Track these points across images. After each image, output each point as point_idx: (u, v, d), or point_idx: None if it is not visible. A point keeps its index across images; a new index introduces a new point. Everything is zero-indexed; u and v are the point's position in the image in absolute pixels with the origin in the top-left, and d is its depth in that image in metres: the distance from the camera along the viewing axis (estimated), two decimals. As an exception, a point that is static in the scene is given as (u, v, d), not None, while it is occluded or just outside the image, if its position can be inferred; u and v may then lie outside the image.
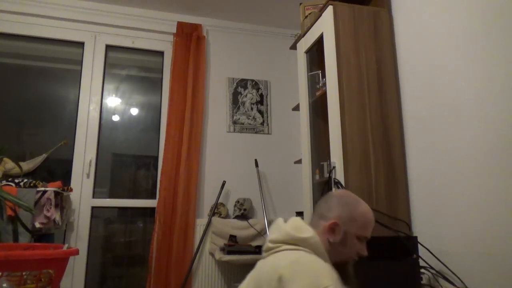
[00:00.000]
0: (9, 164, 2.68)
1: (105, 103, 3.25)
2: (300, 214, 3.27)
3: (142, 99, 3.40)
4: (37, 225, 2.41)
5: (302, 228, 1.13)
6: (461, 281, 1.61)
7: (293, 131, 3.56)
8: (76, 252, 1.29)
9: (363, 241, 1.17)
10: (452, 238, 1.70)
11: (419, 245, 1.77)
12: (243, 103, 3.49)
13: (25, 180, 2.58)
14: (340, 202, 1.18)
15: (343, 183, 1.92)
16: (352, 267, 1.20)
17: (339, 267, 1.13)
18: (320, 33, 2.24)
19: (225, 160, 3.34)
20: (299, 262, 1.00)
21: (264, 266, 1.07)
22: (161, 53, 3.45)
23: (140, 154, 3.29)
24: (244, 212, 3.14)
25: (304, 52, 2.50)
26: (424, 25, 1.97)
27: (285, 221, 1.19)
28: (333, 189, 1.96)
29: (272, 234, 1.16)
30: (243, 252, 2.84)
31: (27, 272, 1.13)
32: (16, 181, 2.56)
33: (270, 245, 1.14)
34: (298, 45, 2.61)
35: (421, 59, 1.98)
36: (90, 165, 3.05)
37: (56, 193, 2.55)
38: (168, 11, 3.42)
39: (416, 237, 1.79)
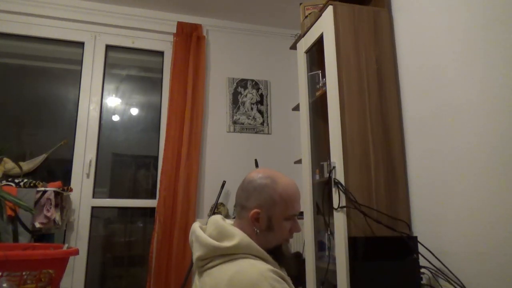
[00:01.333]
0: (9, 164, 2.68)
1: (105, 103, 3.25)
2: (300, 214, 3.27)
3: (142, 99, 3.40)
4: (37, 225, 2.41)
5: (226, 233, 1.05)
6: (460, 282, 1.61)
7: (293, 131, 3.56)
8: (76, 252, 1.29)
9: (293, 218, 1.12)
10: (452, 238, 1.70)
11: (419, 245, 1.77)
12: (243, 103, 3.49)
13: (25, 180, 2.58)
14: (256, 188, 1.11)
15: (343, 183, 1.92)
16: (287, 246, 1.14)
17: (273, 251, 1.09)
18: (320, 33, 2.24)
19: (225, 160, 3.34)
20: (236, 280, 0.93)
21: (204, 286, 1.00)
22: (161, 53, 3.45)
23: (140, 154, 3.29)
24: (244, 212, 3.14)
25: (304, 52, 2.50)
26: (424, 25, 1.97)
27: (201, 226, 1.12)
28: (333, 189, 1.96)
29: (196, 251, 1.06)
30: (243, 252, 2.84)
31: (27, 272, 1.13)
32: (16, 181, 2.56)
33: (200, 263, 1.05)
34: (298, 45, 2.62)
35: (421, 59, 1.98)
36: (90, 165, 3.05)
37: (56, 193, 2.56)
38: (168, 11, 3.42)
39: (416, 237, 1.79)
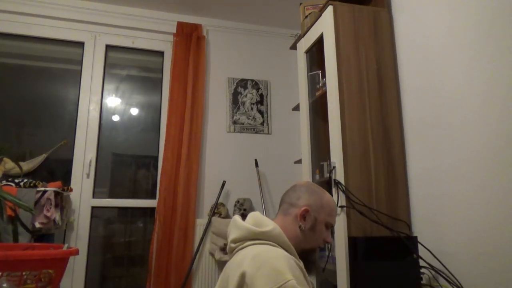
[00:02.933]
0: (9, 164, 2.68)
1: (105, 103, 3.25)
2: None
3: (142, 99, 3.40)
4: (37, 225, 2.41)
5: (262, 222, 1.15)
6: (459, 282, 1.61)
7: (293, 131, 3.56)
8: (76, 252, 1.28)
9: (329, 228, 1.23)
10: (452, 238, 1.70)
11: (419, 245, 1.77)
12: (243, 103, 3.49)
13: (25, 180, 2.58)
14: (308, 190, 1.24)
15: (343, 183, 1.92)
16: (315, 254, 1.23)
17: (306, 254, 1.18)
18: (320, 33, 2.24)
19: (225, 160, 3.34)
20: (261, 257, 1.00)
21: (231, 265, 1.08)
22: (161, 53, 3.45)
23: (140, 154, 3.29)
24: (244, 212, 3.14)
25: (304, 52, 2.50)
26: (424, 25, 1.97)
27: (243, 218, 1.21)
28: (333, 189, 1.96)
29: (233, 233, 1.17)
30: (243, 252, 2.84)
31: (27, 272, 1.13)
32: (16, 181, 2.56)
33: (233, 245, 1.15)
34: (298, 45, 2.61)
35: (421, 59, 1.98)
36: (90, 165, 3.05)
37: (56, 193, 2.55)
38: (168, 11, 3.42)
39: (416, 237, 1.79)
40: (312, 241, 1.19)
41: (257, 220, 1.16)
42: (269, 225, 1.13)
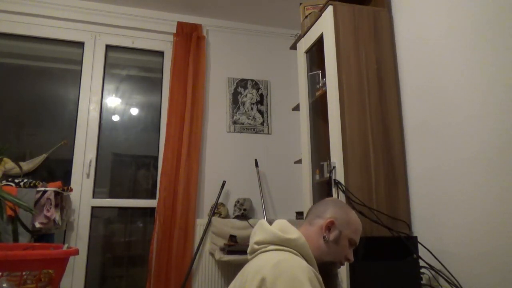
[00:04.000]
0: (9, 164, 2.68)
1: (105, 103, 3.25)
2: (300, 214, 3.27)
3: (142, 99, 3.40)
4: (37, 225, 2.41)
5: (288, 229, 1.15)
6: (458, 283, 1.61)
7: (293, 131, 3.56)
8: (76, 252, 1.28)
9: (352, 246, 1.22)
10: (452, 238, 1.70)
11: (419, 245, 1.77)
12: (243, 103, 3.49)
13: (25, 180, 2.58)
14: (336, 205, 1.25)
15: (343, 183, 1.92)
16: (337, 271, 1.23)
17: (327, 268, 1.17)
18: (320, 33, 2.24)
19: (225, 160, 3.34)
20: (282, 265, 1.01)
21: (250, 267, 1.08)
22: (161, 53, 3.45)
23: (140, 154, 3.29)
24: (244, 212, 3.14)
25: (304, 52, 2.50)
26: (424, 25, 1.97)
27: (270, 223, 1.21)
28: (333, 189, 1.96)
29: (257, 235, 1.17)
30: (243, 252, 2.83)
31: (27, 272, 1.13)
32: (16, 181, 2.56)
33: (256, 246, 1.15)
34: (298, 45, 2.61)
35: (421, 59, 1.98)
36: (90, 165, 3.05)
37: (56, 193, 2.55)
38: (168, 11, 3.42)
39: (416, 237, 1.79)
40: (333, 254, 1.18)
41: (283, 226, 1.17)
42: (294, 233, 1.14)
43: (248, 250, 1.19)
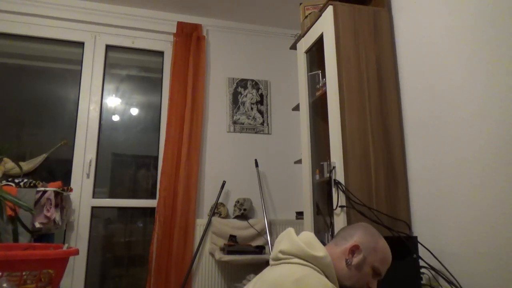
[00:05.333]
0: (9, 164, 2.68)
1: (105, 103, 3.25)
2: (300, 214, 3.27)
3: (142, 99, 3.40)
4: (37, 225, 2.41)
5: (315, 246, 1.12)
6: (458, 282, 1.61)
7: (293, 131, 3.56)
8: (76, 252, 1.28)
9: (377, 276, 1.17)
10: (452, 238, 1.70)
11: (419, 245, 1.77)
12: (243, 103, 3.49)
13: (25, 180, 2.58)
14: (365, 230, 1.21)
15: (343, 183, 1.92)
16: None
17: None
18: (320, 33, 2.24)
19: (225, 160, 3.34)
20: (304, 281, 0.99)
21: (271, 275, 1.06)
22: (161, 53, 3.45)
23: (140, 154, 3.29)
24: (244, 212, 3.14)
25: (304, 52, 2.50)
26: (424, 25, 1.97)
27: (297, 233, 1.18)
28: (333, 189, 1.96)
29: (283, 244, 1.14)
30: (243, 252, 2.84)
31: (27, 272, 1.13)
32: (16, 181, 2.56)
33: (281, 255, 1.12)
34: (298, 45, 2.61)
35: (421, 59, 1.98)
36: (90, 165, 3.05)
37: (56, 193, 2.55)
38: (168, 11, 3.42)
39: (416, 237, 1.79)
40: (354, 280, 1.14)
41: (310, 241, 1.14)
42: (321, 251, 1.11)
43: (272, 255, 1.16)
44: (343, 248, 1.17)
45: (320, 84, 2.34)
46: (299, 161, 2.81)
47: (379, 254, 1.16)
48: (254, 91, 3.54)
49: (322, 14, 2.22)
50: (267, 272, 1.11)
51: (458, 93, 1.71)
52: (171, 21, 3.40)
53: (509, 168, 1.45)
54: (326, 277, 1.08)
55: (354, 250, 1.15)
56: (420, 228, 1.92)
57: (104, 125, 3.21)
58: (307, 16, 2.54)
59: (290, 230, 1.19)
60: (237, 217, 3.16)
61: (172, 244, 2.93)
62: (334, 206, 1.95)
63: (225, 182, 3.20)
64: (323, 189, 2.28)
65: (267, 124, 3.52)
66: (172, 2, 3.29)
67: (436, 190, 1.82)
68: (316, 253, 1.09)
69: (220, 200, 3.19)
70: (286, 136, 3.54)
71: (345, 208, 1.88)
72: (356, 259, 1.14)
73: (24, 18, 3.12)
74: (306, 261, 1.08)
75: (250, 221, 3.13)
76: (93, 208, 3.02)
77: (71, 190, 2.77)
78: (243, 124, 3.45)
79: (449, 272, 1.66)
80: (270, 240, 2.98)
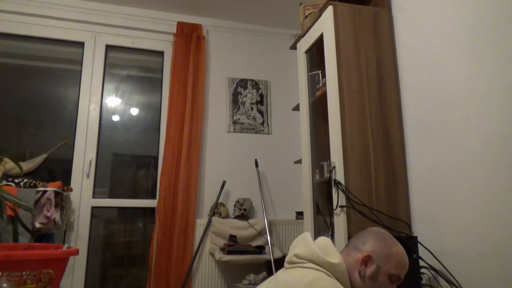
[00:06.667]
0: (9, 164, 2.68)
1: (105, 103, 3.25)
2: (300, 214, 3.27)
3: (142, 99, 3.40)
4: (37, 225, 2.41)
5: (331, 252, 1.11)
6: (458, 282, 1.61)
7: (293, 131, 3.56)
8: (76, 252, 1.28)
9: (395, 283, 1.13)
10: (452, 238, 1.70)
11: (419, 245, 1.77)
12: (243, 103, 3.49)
13: (25, 180, 2.58)
14: (376, 237, 1.17)
15: (343, 183, 1.92)
16: None
17: None
18: (320, 33, 2.24)
19: (225, 160, 3.34)
20: (316, 283, 0.99)
21: (285, 278, 1.06)
22: (161, 53, 3.45)
23: (140, 154, 3.29)
24: (244, 212, 3.14)
25: (304, 52, 2.50)
26: (424, 25, 1.97)
27: (313, 238, 1.17)
28: (333, 189, 1.96)
29: (299, 248, 1.13)
30: (243, 252, 2.84)
31: (27, 272, 1.13)
32: (16, 181, 2.56)
33: (295, 259, 1.12)
34: (298, 45, 2.62)
35: (421, 59, 1.98)
36: (90, 165, 3.05)
37: (56, 193, 2.55)
38: (168, 11, 3.42)
39: (416, 237, 1.79)
40: None
41: (327, 247, 1.12)
42: (336, 258, 1.09)
43: (287, 259, 1.16)
44: (355, 258, 1.13)
45: (320, 84, 2.34)
46: (299, 161, 2.81)
47: (393, 260, 1.12)
48: (254, 91, 3.54)
49: (322, 14, 2.22)
50: (281, 275, 1.10)
51: (458, 93, 1.71)
52: (171, 21, 3.40)
53: (509, 168, 1.45)
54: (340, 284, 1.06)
55: (366, 260, 1.12)
56: (420, 228, 1.92)
57: (104, 125, 3.21)
58: (307, 16, 2.54)
59: (306, 234, 1.18)
60: (237, 217, 3.16)
61: (172, 244, 2.93)
62: (334, 206, 1.95)
63: (225, 182, 3.20)
64: (323, 189, 2.28)
65: (267, 124, 3.52)
66: (172, 2, 3.29)
67: (436, 190, 1.82)
68: (331, 259, 1.08)
69: (220, 200, 3.19)
70: (286, 136, 3.54)
71: (345, 208, 1.88)
72: (369, 270, 1.11)
73: (24, 18, 3.12)
74: (321, 266, 1.07)
75: (250, 221, 3.13)
76: (93, 208, 3.02)
77: (71, 190, 2.77)
78: (243, 124, 3.45)
79: (449, 272, 1.66)
80: (270, 240, 2.98)
